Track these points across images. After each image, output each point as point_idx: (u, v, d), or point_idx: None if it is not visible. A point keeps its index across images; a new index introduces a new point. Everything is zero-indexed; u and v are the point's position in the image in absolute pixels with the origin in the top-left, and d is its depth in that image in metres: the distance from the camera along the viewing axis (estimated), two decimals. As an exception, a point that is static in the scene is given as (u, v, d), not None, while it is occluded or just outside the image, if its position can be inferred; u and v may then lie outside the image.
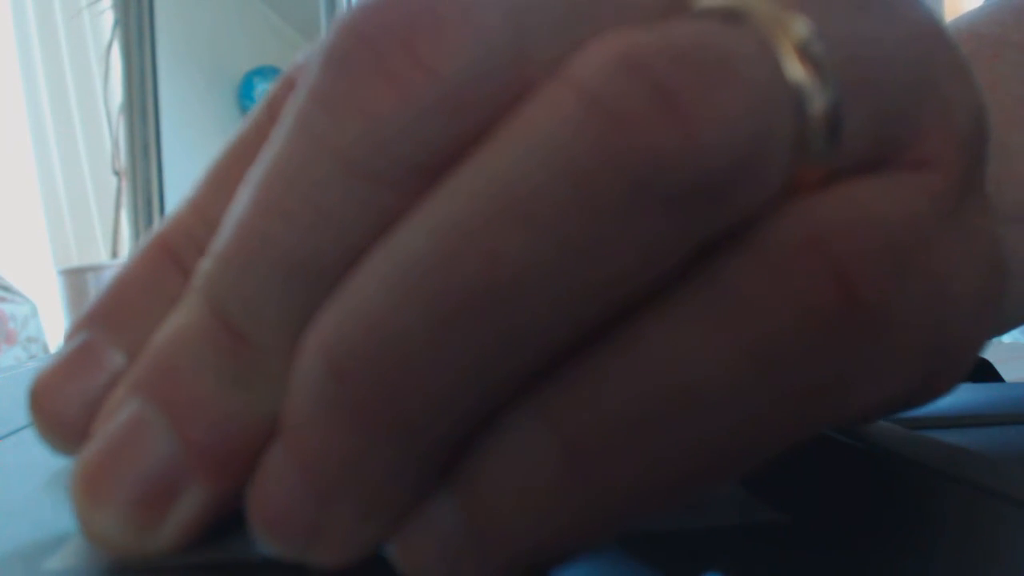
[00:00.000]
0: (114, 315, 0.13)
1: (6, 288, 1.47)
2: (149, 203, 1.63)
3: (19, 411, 0.24)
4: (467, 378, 0.09)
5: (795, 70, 0.09)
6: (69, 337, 0.13)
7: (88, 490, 0.11)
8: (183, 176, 1.59)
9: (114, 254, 1.70)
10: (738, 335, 0.09)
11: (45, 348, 1.47)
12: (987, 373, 0.31)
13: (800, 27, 0.10)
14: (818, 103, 0.10)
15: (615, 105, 0.09)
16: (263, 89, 1.90)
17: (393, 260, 0.09)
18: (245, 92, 1.90)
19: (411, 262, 0.09)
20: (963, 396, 0.26)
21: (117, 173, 1.69)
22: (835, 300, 0.09)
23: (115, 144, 1.69)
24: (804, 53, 0.09)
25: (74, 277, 1.59)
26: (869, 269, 0.09)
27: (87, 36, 1.79)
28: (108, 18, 1.73)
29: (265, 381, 0.11)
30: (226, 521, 0.13)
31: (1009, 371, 0.31)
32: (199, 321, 0.11)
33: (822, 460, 0.17)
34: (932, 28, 0.12)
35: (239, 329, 0.11)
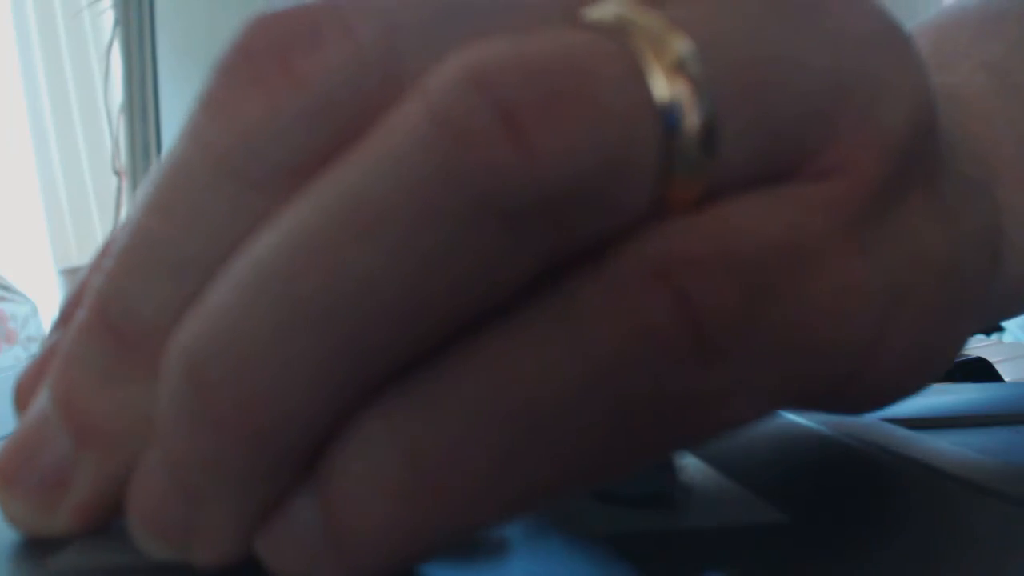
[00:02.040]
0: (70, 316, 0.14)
1: (6, 288, 1.47)
2: (149, 203, 1.62)
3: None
4: (313, 384, 0.09)
5: (663, 89, 0.09)
6: (44, 341, 0.14)
7: (1, 477, 0.12)
8: (183, 176, 1.59)
9: (114, 254, 1.70)
10: (577, 354, 0.09)
11: (45, 348, 1.46)
12: (987, 373, 0.31)
13: (679, 44, 0.09)
14: (691, 120, 0.09)
15: (459, 122, 0.09)
16: (263, 89, 1.90)
17: (245, 267, 0.09)
18: (245, 92, 1.90)
19: (260, 270, 0.09)
20: (963, 396, 0.26)
21: (117, 173, 1.69)
22: (673, 326, 0.09)
23: (115, 144, 1.69)
24: (680, 70, 0.09)
25: (74, 277, 1.58)
26: (715, 298, 0.09)
27: (87, 36, 1.79)
28: (108, 18, 1.73)
29: (140, 379, 0.11)
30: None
31: (1009, 371, 0.31)
32: (87, 318, 0.11)
33: (822, 460, 0.17)
34: (862, 25, 0.12)
35: (116, 326, 0.11)
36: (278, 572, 0.10)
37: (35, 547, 0.12)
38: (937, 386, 0.29)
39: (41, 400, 0.12)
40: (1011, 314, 0.20)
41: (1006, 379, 0.31)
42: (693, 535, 0.12)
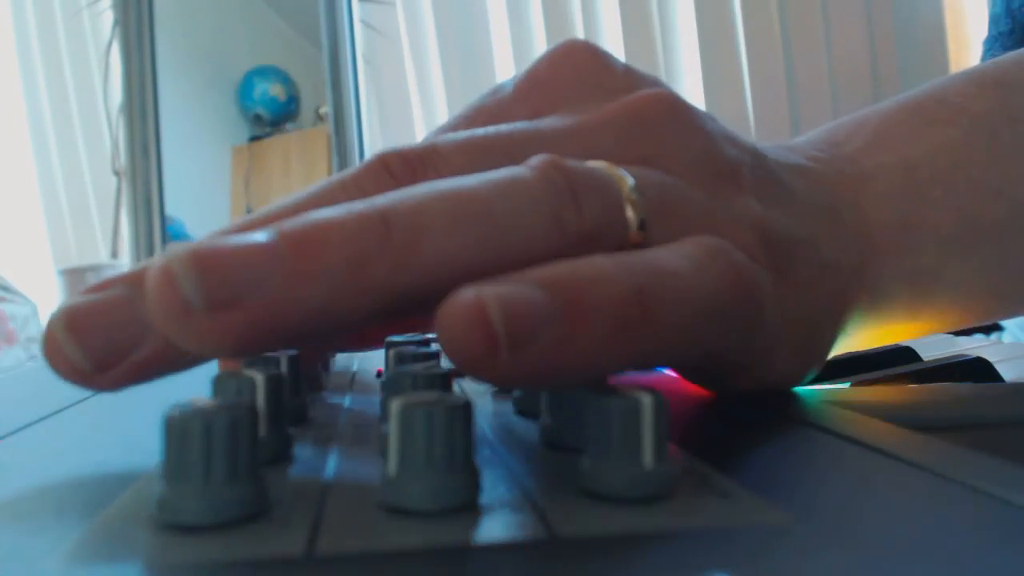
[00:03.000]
0: None
1: (6, 288, 1.46)
2: (149, 203, 1.63)
3: (19, 411, 0.24)
4: (448, 250, 0.16)
5: (627, 194, 0.19)
6: None
7: (69, 320, 0.17)
8: (183, 176, 1.59)
9: (114, 254, 1.70)
10: (619, 270, 0.16)
11: (45, 348, 1.46)
12: (987, 373, 0.31)
13: (629, 180, 0.19)
14: (633, 215, 0.19)
15: (556, 180, 0.17)
16: (263, 89, 1.89)
17: (428, 193, 0.17)
18: (245, 92, 1.90)
19: (437, 198, 0.16)
20: (963, 396, 0.26)
21: (117, 173, 1.69)
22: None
23: (115, 144, 1.69)
24: (629, 191, 0.19)
25: (74, 277, 1.58)
26: (652, 283, 0.16)
27: (87, 36, 1.79)
28: (108, 18, 1.73)
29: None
30: (231, 521, 0.13)
31: (1009, 371, 0.31)
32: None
33: (822, 460, 0.17)
34: (722, 173, 0.22)
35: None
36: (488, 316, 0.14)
37: (34, 547, 0.12)
38: (937, 386, 0.29)
39: (119, 287, 0.17)
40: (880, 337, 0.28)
41: (1006, 379, 0.31)
42: (693, 535, 0.12)
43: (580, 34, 1.61)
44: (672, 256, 0.17)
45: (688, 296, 0.17)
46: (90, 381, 0.17)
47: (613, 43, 1.58)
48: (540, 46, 1.59)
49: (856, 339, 0.27)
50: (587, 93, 0.22)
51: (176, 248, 0.14)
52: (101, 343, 0.17)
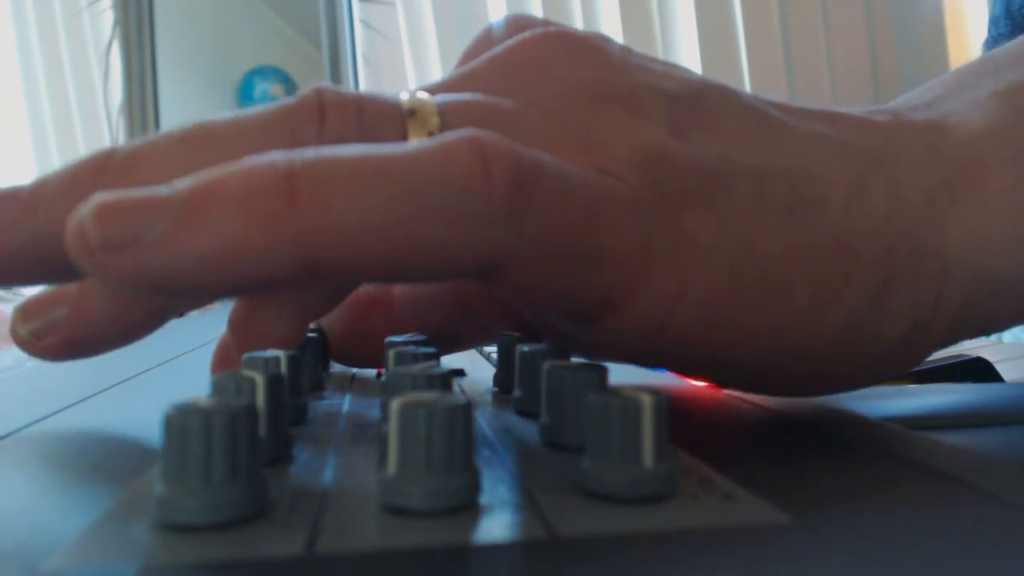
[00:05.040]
0: None
1: (6, 288, 1.46)
2: (149, 203, 1.62)
3: (19, 411, 0.24)
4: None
5: (432, 121, 0.19)
6: None
7: (21, 309, 0.23)
8: (183, 176, 1.59)
9: (114, 254, 1.70)
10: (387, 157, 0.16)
11: (45, 348, 1.46)
12: (987, 373, 0.31)
13: (433, 108, 0.19)
14: (434, 121, 0.19)
15: (308, 100, 0.18)
16: (263, 89, 1.90)
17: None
18: (245, 92, 1.90)
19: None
20: (963, 396, 0.26)
21: (117, 173, 1.68)
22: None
23: (115, 144, 1.69)
24: (431, 123, 0.19)
25: (74, 277, 1.58)
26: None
27: (87, 36, 1.79)
28: (108, 18, 1.73)
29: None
30: (231, 521, 0.13)
31: (1009, 371, 0.31)
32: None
33: (822, 460, 0.17)
34: (599, 99, 0.20)
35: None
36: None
37: (33, 547, 0.12)
38: (937, 386, 0.29)
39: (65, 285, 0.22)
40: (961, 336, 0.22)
41: (1006, 379, 0.31)
42: (693, 535, 0.12)
43: (580, 34, 1.60)
44: (381, 146, 0.16)
45: (371, 179, 0.15)
46: (32, 347, 0.22)
47: (613, 43, 1.58)
48: (540, 46, 1.58)
49: (957, 322, 0.21)
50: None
51: None
52: (38, 322, 0.22)
